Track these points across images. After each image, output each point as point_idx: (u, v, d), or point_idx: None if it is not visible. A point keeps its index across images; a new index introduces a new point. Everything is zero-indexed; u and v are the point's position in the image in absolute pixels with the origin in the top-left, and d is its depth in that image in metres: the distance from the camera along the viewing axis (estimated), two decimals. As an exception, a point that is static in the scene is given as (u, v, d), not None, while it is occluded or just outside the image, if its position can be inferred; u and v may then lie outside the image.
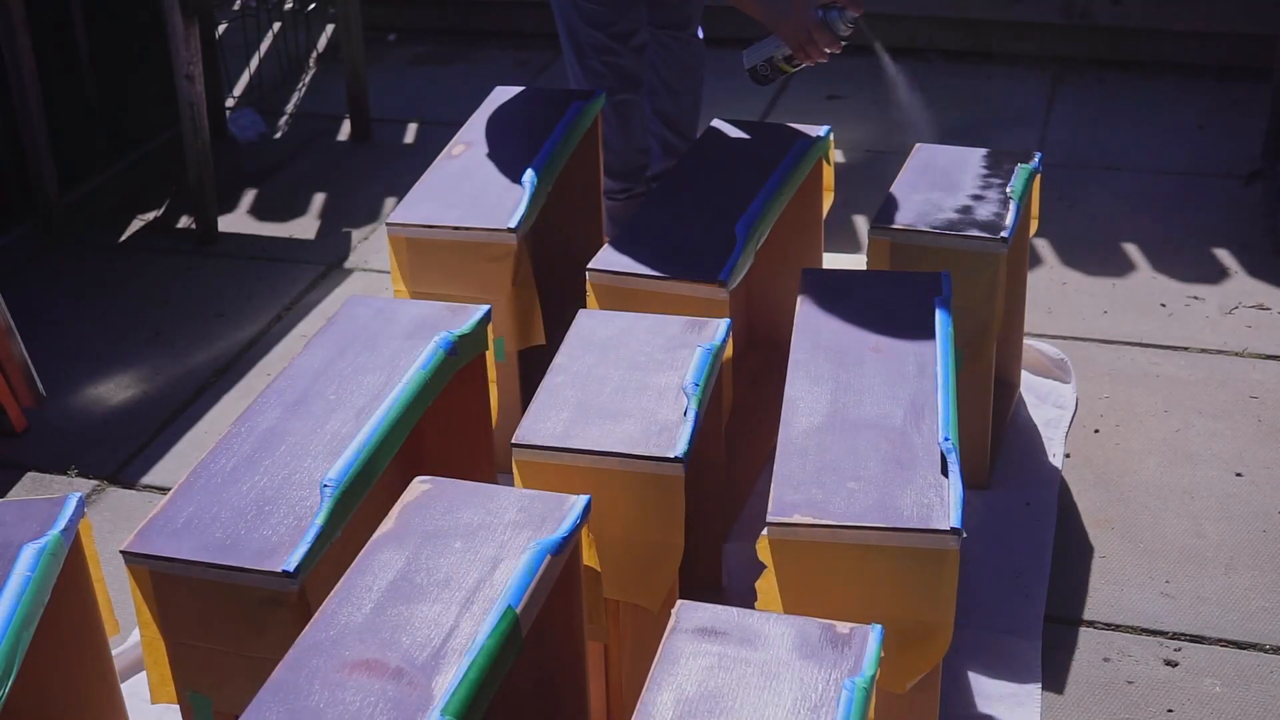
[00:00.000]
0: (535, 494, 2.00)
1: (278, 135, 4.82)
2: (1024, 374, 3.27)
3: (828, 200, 3.24)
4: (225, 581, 1.90)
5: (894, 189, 2.93)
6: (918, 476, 2.06)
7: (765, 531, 2.00)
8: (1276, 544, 2.79)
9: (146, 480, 3.09)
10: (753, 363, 3.16)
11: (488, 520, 1.93)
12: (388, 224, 2.84)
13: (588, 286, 2.68)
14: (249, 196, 4.39)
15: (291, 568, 1.87)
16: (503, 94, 3.34)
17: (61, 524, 1.99)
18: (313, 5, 5.53)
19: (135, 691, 2.39)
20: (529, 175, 2.93)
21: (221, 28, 5.23)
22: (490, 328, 2.50)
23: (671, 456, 2.13)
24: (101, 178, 4.33)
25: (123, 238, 4.14)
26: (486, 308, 2.49)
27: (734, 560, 2.67)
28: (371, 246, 4.04)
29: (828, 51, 2.89)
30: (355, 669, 1.69)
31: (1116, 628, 2.60)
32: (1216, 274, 3.75)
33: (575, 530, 1.93)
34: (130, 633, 2.55)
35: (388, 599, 1.80)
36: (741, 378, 2.89)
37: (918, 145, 3.15)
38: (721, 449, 2.55)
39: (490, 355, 2.52)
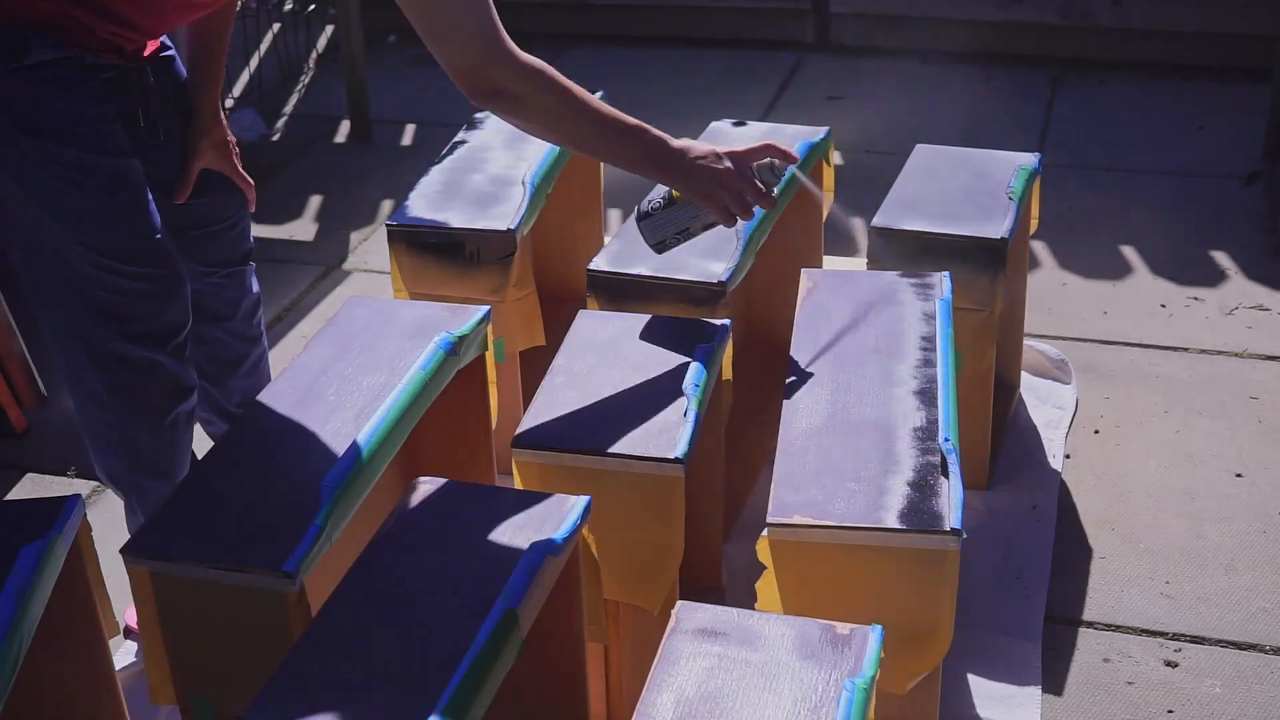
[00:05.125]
0: (535, 494, 2.00)
1: (277, 136, 4.82)
2: (1024, 375, 3.27)
3: (828, 201, 3.24)
4: (225, 581, 1.90)
5: (894, 190, 2.93)
6: (918, 477, 2.06)
7: (765, 532, 2.00)
8: (1276, 544, 2.79)
9: (146, 481, 3.09)
10: (753, 363, 3.16)
11: (488, 521, 1.93)
12: (387, 224, 2.84)
13: (588, 288, 2.68)
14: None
15: (291, 568, 1.87)
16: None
17: (61, 524, 1.99)
18: (313, 6, 5.53)
19: (135, 692, 2.39)
20: (529, 175, 2.93)
21: (221, 28, 5.22)
22: (490, 328, 2.50)
23: (672, 457, 2.13)
24: (101, 178, 4.33)
25: (123, 238, 4.14)
26: (486, 308, 2.49)
27: (734, 561, 2.67)
28: (371, 247, 4.04)
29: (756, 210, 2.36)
30: (355, 670, 1.69)
31: (1117, 628, 2.60)
32: (1216, 275, 3.75)
33: (575, 531, 1.93)
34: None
35: (388, 599, 1.80)
36: (741, 378, 2.89)
37: (918, 147, 3.15)
38: (721, 449, 2.54)
39: (490, 356, 2.52)
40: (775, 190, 2.36)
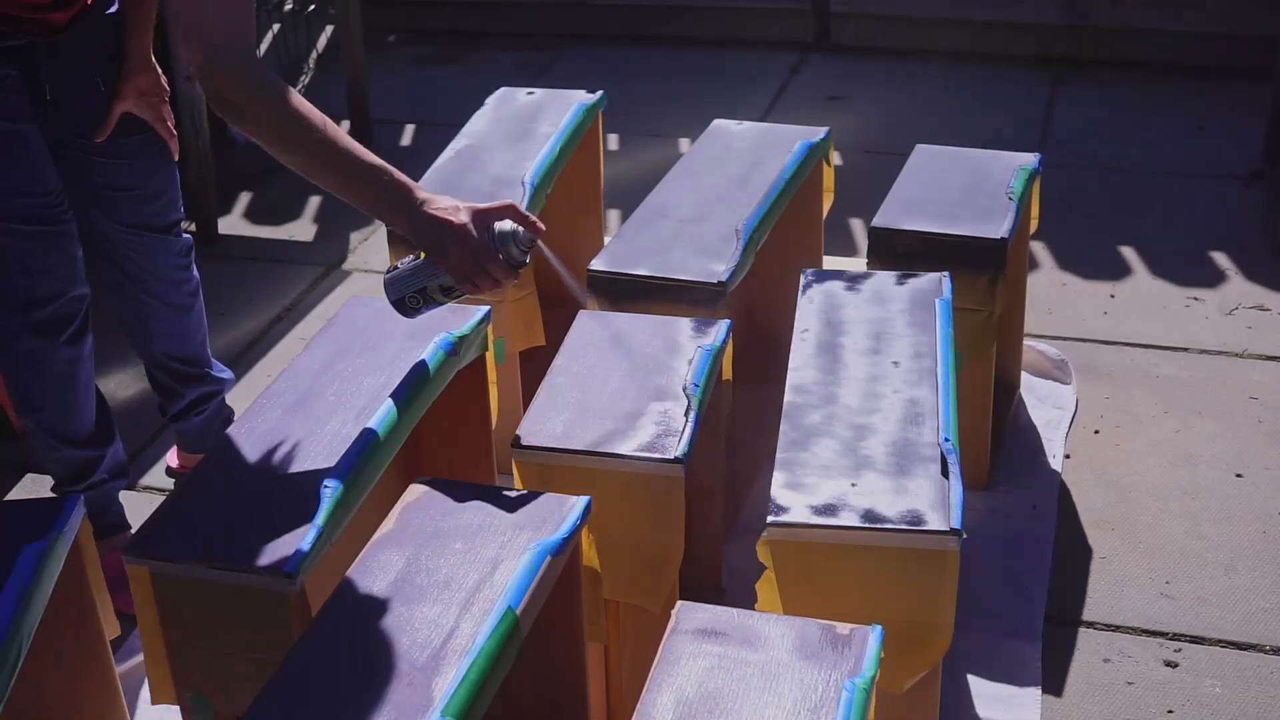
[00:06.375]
0: (535, 495, 2.00)
1: (278, 136, 4.82)
2: (1024, 375, 3.27)
3: (827, 201, 3.24)
4: (225, 582, 1.90)
5: (894, 190, 2.93)
6: (918, 477, 2.06)
7: (765, 532, 2.00)
8: (1276, 545, 2.79)
9: (146, 480, 3.09)
10: (753, 363, 3.16)
11: (488, 521, 1.93)
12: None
13: (588, 288, 2.68)
14: (249, 198, 4.39)
15: (291, 568, 1.87)
16: (504, 95, 3.35)
17: (61, 525, 1.99)
18: (313, 6, 5.53)
19: (135, 692, 2.39)
20: (529, 175, 2.93)
21: (221, 28, 5.22)
22: (490, 329, 2.50)
23: (672, 457, 2.13)
24: (101, 178, 4.32)
25: (123, 238, 4.14)
26: (487, 309, 2.49)
27: (734, 561, 2.67)
28: (371, 248, 4.04)
29: (501, 281, 2.17)
30: (355, 670, 1.69)
31: (1116, 629, 2.60)
32: (1216, 275, 3.75)
33: (575, 531, 1.93)
34: (130, 633, 2.55)
35: (388, 600, 1.80)
36: (741, 378, 2.89)
37: (918, 146, 3.15)
38: (721, 449, 2.54)
39: (490, 356, 2.52)
40: (522, 260, 2.15)
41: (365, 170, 2.08)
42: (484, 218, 2.12)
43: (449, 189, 2.93)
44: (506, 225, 2.12)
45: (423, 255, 2.17)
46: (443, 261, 2.13)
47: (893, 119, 4.72)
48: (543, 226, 2.15)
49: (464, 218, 2.10)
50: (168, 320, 2.84)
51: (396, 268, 2.20)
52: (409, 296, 2.19)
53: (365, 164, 2.08)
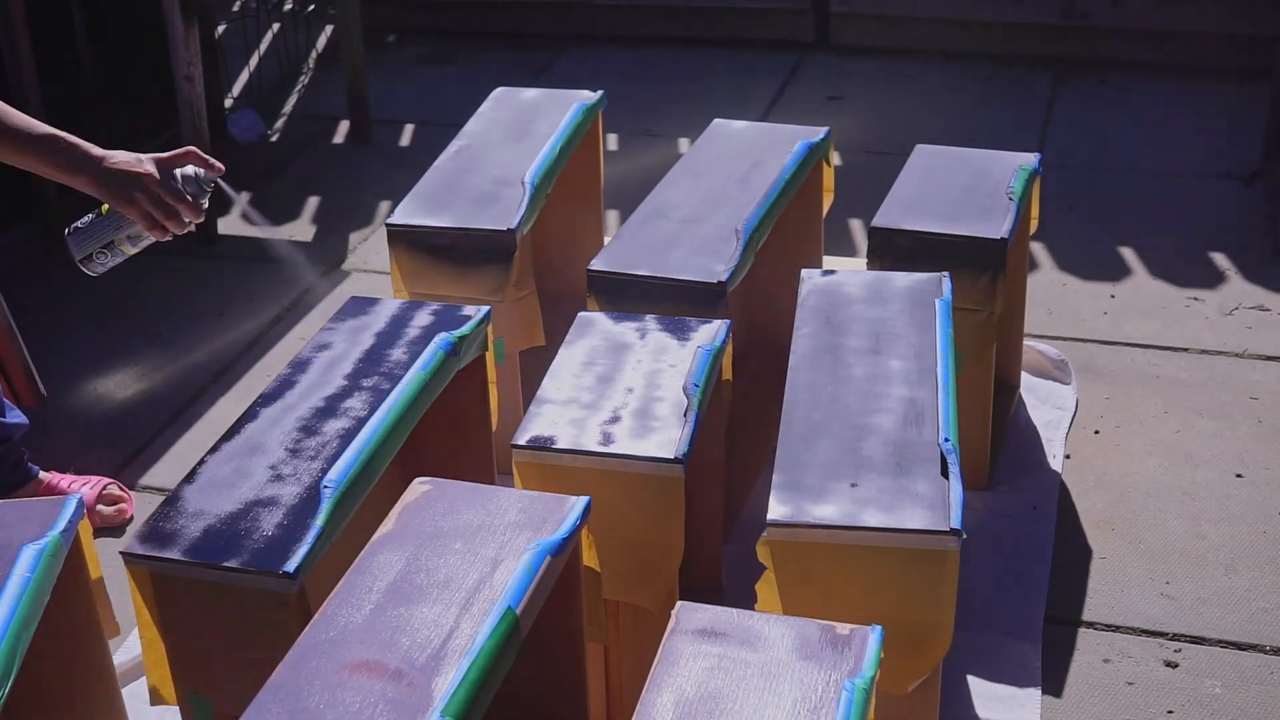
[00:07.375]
0: (535, 495, 2.00)
1: (277, 136, 4.82)
2: (1024, 375, 3.27)
3: (827, 201, 3.24)
4: (225, 582, 1.90)
5: (894, 190, 2.93)
6: (918, 477, 2.06)
7: (765, 533, 2.00)
8: (1277, 545, 2.79)
9: (146, 481, 3.09)
10: (753, 363, 3.16)
11: (488, 521, 1.93)
12: (387, 224, 2.84)
13: (588, 288, 2.68)
14: (248, 198, 4.39)
15: (291, 568, 1.87)
16: (503, 95, 3.34)
17: (61, 525, 1.99)
18: (312, 6, 5.53)
19: (135, 693, 2.39)
20: (529, 175, 2.93)
21: (221, 28, 5.23)
22: (490, 329, 2.50)
23: (671, 457, 2.13)
24: (101, 178, 4.32)
25: (122, 238, 4.14)
26: (487, 309, 2.49)
27: (734, 561, 2.67)
28: (371, 247, 4.04)
29: (188, 222, 2.29)
30: (355, 670, 1.69)
31: (1117, 629, 2.60)
32: (1216, 275, 3.75)
33: (575, 531, 1.93)
34: (130, 634, 2.55)
35: (388, 600, 1.80)
36: (741, 378, 2.89)
37: (918, 147, 3.15)
38: (721, 449, 2.54)
39: (490, 356, 2.52)
40: (203, 202, 2.29)
41: (41, 140, 2.20)
42: (168, 164, 2.25)
43: (449, 188, 2.94)
44: (189, 170, 2.27)
45: (105, 209, 2.28)
46: (130, 210, 2.24)
47: (893, 119, 4.72)
48: (221, 167, 2.31)
49: (149, 167, 2.22)
50: None
51: (77, 226, 2.31)
52: (96, 252, 2.30)
53: (39, 134, 2.20)
